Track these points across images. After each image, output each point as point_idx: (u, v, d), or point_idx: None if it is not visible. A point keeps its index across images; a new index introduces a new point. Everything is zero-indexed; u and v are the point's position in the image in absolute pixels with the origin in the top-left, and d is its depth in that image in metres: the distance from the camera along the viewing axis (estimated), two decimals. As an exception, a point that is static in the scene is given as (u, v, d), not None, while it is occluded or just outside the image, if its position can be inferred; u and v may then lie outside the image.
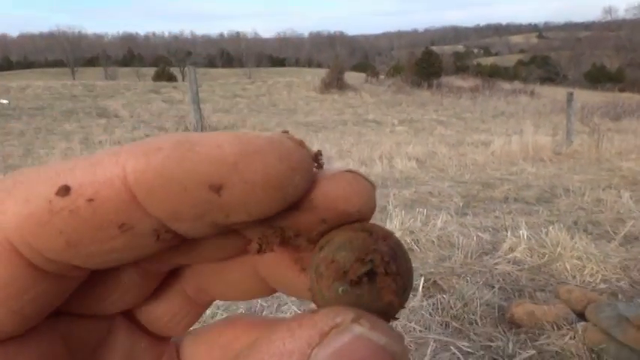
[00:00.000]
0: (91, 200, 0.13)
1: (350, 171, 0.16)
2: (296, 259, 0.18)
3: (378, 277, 0.16)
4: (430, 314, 2.18)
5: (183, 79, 35.00)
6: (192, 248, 0.18)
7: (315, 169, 0.16)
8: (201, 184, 0.13)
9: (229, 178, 0.14)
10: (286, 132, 0.16)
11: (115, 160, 0.13)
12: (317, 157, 0.17)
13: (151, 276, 0.20)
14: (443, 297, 2.30)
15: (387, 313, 0.16)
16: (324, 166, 0.17)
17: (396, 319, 0.17)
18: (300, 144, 0.16)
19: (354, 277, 0.15)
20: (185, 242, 0.17)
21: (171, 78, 37.23)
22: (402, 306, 0.16)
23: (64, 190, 0.13)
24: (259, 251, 0.17)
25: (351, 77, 28.39)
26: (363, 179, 0.17)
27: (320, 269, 0.16)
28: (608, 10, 75.17)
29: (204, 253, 0.19)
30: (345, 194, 0.16)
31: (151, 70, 47.37)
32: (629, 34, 61.46)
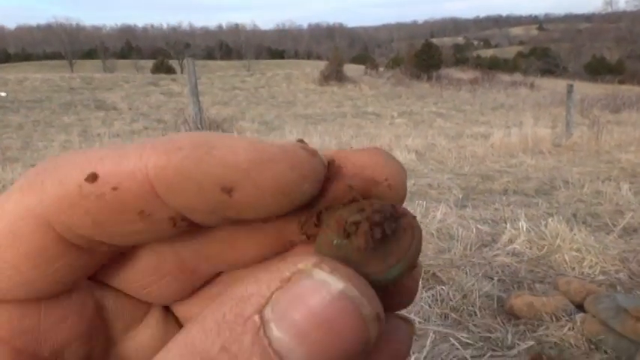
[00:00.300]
0: (115, 189, 0.15)
1: (378, 148, 0.17)
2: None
3: (361, 226, 0.16)
4: (429, 306, 2.19)
5: (182, 72, 34.88)
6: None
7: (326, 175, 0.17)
8: (214, 185, 0.15)
9: (241, 182, 0.15)
10: (301, 140, 0.17)
11: (139, 155, 0.15)
12: (330, 166, 0.17)
13: (189, 272, 0.20)
14: (442, 289, 2.31)
15: (369, 271, 0.16)
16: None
17: (386, 286, 0.16)
18: (313, 154, 0.16)
19: (347, 229, 0.16)
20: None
21: (169, 70, 37.10)
22: (395, 271, 0.16)
23: (93, 178, 0.15)
24: (308, 237, 0.17)
25: (351, 69, 28.31)
26: (392, 156, 0.17)
27: (325, 224, 0.17)
28: (609, 2, 74.92)
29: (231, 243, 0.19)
30: (371, 162, 0.17)
31: (150, 63, 47.17)
32: (630, 25, 61.20)
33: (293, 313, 0.13)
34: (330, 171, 0.17)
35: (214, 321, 0.13)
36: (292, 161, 0.15)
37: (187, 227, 0.17)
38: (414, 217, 0.17)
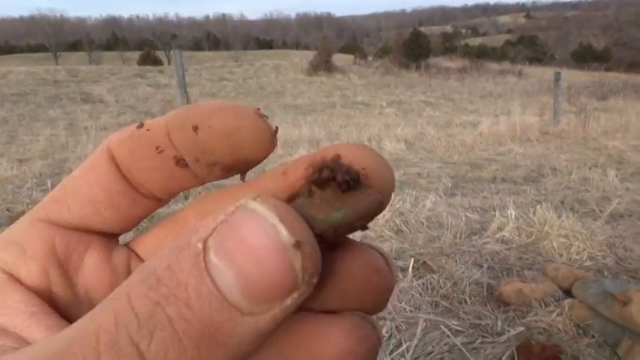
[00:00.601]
0: (148, 130, 0.21)
1: (362, 144, 0.19)
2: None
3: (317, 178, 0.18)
4: (420, 294, 2.21)
5: (169, 63, 34.48)
6: None
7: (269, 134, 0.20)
8: (189, 124, 0.20)
9: (202, 122, 0.20)
10: (258, 109, 0.20)
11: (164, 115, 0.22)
12: (274, 130, 0.21)
13: None
14: (432, 277, 2.32)
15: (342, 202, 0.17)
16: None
17: (333, 234, 0.17)
18: (260, 115, 0.20)
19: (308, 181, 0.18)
20: None
21: (156, 62, 36.66)
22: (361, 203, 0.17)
23: (140, 125, 0.21)
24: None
25: (339, 59, 28.20)
26: (374, 150, 0.19)
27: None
28: (595, -11, 75.21)
29: None
30: (350, 153, 0.18)
31: (136, 54, 46.54)
32: (616, 12, 61.60)
33: (227, 241, 0.14)
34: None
35: (168, 248, 0.15)
36: (238, 112, 0.20)
37: (186, 171, 0.21)
38: (379, 194, 0.18)
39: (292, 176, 0.19)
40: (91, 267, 0.22)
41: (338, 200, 0.17)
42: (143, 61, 36.03)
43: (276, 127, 0.21)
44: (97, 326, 0.14)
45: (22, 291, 0.20)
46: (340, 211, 0.17)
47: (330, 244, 0.17)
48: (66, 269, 0.21)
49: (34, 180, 4.55)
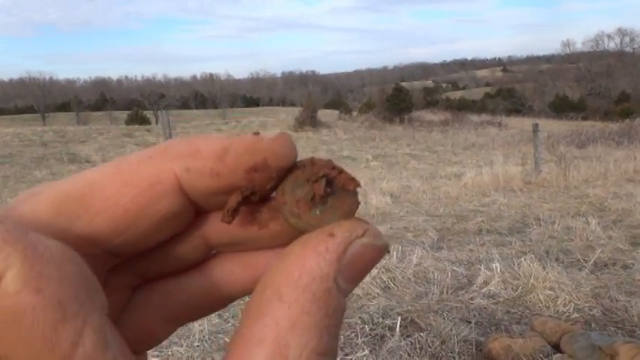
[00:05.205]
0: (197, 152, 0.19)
1: (282, 132, 0.20)
2: (254, 216, 0.21)
3: (336, 179, 0.20)
4: (409, 354, 2.17)
5: (156, 122, 34.88)
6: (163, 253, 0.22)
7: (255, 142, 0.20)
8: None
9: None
10: (257, 133, 0.20)
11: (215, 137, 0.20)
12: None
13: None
14: (420, 335, 2.29)
15: (356, 202, 0.20)
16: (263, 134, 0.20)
17: (359, 202, 0.20)
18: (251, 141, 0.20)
19: (321, 193, 0.19)
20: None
21: (144, 121, 37.07)
22: (359, 188, 0.20)
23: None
24: (234, 212, 0.20)
25: (325, 115, 28.85)
26: (290, 135, 0.20)
27: (295, 211, 0.20)
28: (567, 44, 78.90)
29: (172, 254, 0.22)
30: (287, 151, 0.19)
31: (124, 114, 47.11)
32: (588, 65, 64.38)
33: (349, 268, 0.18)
34: (259, 163, 0.20)
35: (308, 302, 0.17)
36: (229, 136, 0.20)
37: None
38: (313, 157, 0.21)
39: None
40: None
41: (349, 178, 0.20)
42: (131, 121, 36.45)
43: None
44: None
45: None
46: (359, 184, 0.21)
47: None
48: None
49: None
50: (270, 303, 0.18)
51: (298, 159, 0.20)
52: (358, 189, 0.20)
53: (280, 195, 0.20)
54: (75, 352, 0.14)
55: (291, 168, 0.20)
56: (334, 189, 0.20)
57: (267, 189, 0.20)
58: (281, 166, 0.19)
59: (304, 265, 0.18)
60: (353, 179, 0.20)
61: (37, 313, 0.14)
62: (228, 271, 0.22)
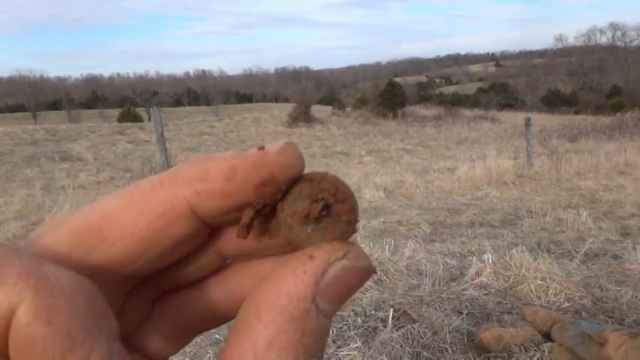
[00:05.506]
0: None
1: (287, 143, 0.20)
2: (266, 226, 0.22)
3: (333, 206, 0.20)
4: (401, 345, 2.18)
5: (149, 119, 34.66)
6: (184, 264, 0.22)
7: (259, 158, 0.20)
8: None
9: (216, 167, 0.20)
10: (262, 148, 0.20)
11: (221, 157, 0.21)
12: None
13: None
14: (413, 327, 2.30)
15: (349, 230, 0.20)
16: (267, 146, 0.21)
17: (356, 230, 0.20)
18: (250, 156, 0.20)
19: (315, 215, 0.20)
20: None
21: (136, 118, 36.85)
22: (357, 220, 0.20)
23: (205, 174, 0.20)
24: (248, 227, 0.20)
25: (318, 110, 28.78)
26: (295, 145, 0.21)
27: (288, 222, 0.20)
28: (559, 38, 79.10)
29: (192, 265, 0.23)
30: (293, 162, 0.20)
31: (116, 112, 46.74)
32: (580, 59, 64.65)
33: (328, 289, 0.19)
34: (266, 177, 0.20)
35: (285, 322, 0.18)
36: (234, 154, 0.20)
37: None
38: (325, 172, 0.21)
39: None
40: None
41: (345, 210, 0.20)
42: (123, 118, 36.23)
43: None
44: None
45: None
46: (357, 218, 0.21)
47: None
48: None
49: (7, 243, 4.45)
50: (250, 323, 0.18)
51: (310, 170, 0.21)
52: (357, 220, 0.20)
53: (282, 203, 0.20)
54: None
55: (299, 177, 0.21)
56: (331, 212, 0.20)
57: (277, 200, 0.21)
58: (288, 177, 0.20)
59: (282, 287, 0.19)
60: (351, 211, 0.20)
61: (47, 343, 0.15)
62: (238, 281, 0.23)
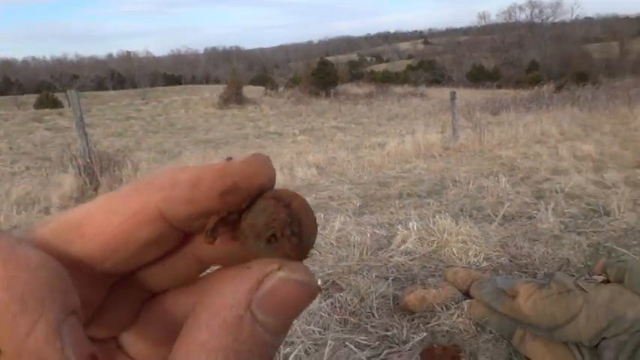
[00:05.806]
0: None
1: (255, 153, 0.22)
2: (235, 233, 0.22)
3: (278, 239, 0.20)
4: (329, 314, 2.21)
5: (69, 105, 32.56)
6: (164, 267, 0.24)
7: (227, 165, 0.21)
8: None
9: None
10: (230, 158, 0.22)
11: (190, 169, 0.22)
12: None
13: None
14: (340, 295, 2.34)
15: (299, 255, 0.21)
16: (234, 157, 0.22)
17: (307, 256, 0.21)
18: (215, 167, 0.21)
19: (265, 237, 0.20)
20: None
21: (56, 104, 34.49)
22: (309, 247, 0.21)
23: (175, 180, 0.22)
24: (213, 233, 0.21)
25: (250, 91, 28.31)
26: (264, 155, 0.22)
27: (246, 232, 0.21)
28: (482, 16, 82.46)
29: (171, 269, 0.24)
30: (257, 171, 0.21)
31: (33, 98, 43.48)
32: (502, 36, 67.73)
33: (268, 302, 0.19)
34: (231, 185, 0.21)
35: (217, 326, 0.19)
36: (205, 165, 0.22)
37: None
38: (296, 194, 0.21)
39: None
40: None
41: (287, 248, 0.21)
42: (40, 105, 33.74)
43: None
44: None
45: None
46: (304, 250, 0.21)
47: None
48: None
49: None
50: (189, 326, 0.20)
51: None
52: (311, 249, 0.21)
53: (247, 212, 0.21)
54: (28, 338, 0.17)
55: (271, 191, 0.21)
56: (284, 234, 0.20)
57: (243, 208, 0.21)
58: (252, 186, 0.21)
59: (219, 294, 0.20)
60: (296, 248, 0.21)
61: (1, 305, 0.17)
62: (213, 286, 0.23)
